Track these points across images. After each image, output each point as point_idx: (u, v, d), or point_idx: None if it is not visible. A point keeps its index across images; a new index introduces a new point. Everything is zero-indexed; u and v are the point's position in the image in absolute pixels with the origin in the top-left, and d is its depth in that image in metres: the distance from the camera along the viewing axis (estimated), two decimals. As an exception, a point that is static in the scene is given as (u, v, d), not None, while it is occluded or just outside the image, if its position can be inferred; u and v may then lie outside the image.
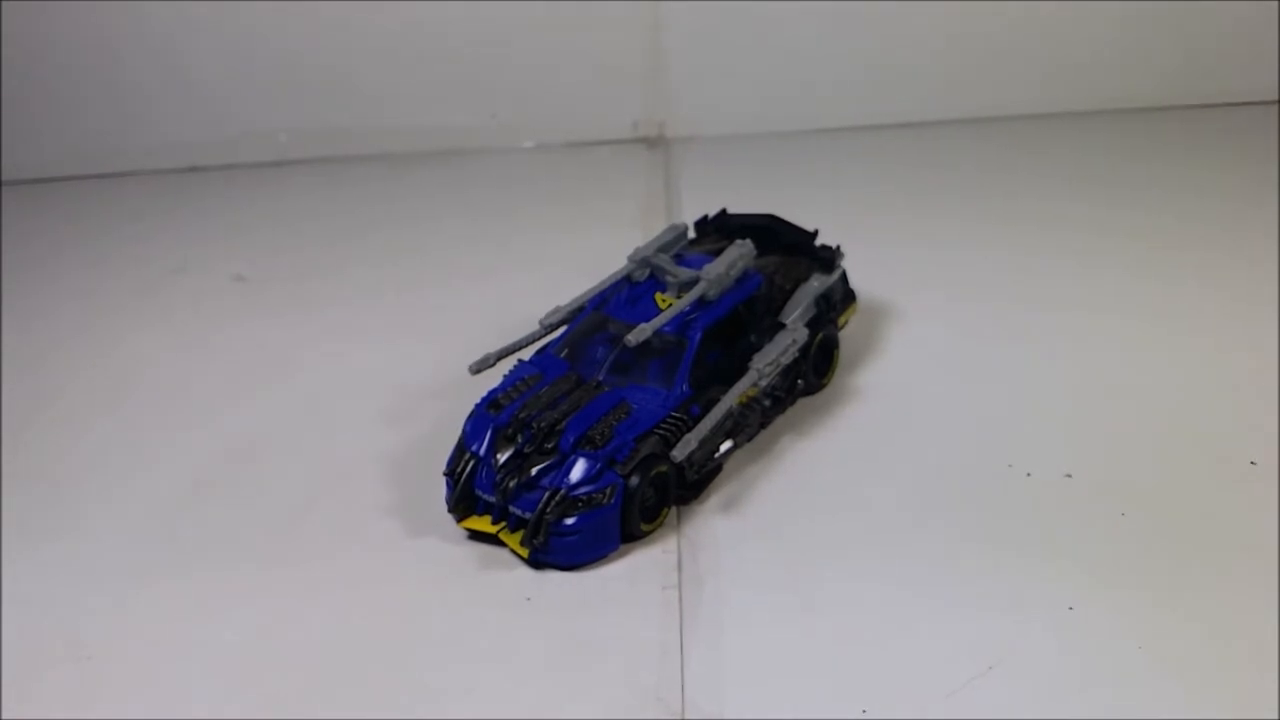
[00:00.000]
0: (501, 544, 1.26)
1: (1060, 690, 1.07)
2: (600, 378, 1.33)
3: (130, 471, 1.45)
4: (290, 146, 2.35)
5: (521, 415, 1.28)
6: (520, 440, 1.26)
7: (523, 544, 1.23)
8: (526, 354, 1.41)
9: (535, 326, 1.43)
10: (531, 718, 1.08)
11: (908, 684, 1.08)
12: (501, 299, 1.75)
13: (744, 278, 1.41)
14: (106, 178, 2.34)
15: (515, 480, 1.24)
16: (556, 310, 1.43)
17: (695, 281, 1.37)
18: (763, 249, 1.51)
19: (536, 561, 1.24)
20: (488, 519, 1.26)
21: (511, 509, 1.24)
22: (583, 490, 1.22)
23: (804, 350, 1.43)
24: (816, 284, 1.48)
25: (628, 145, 2.35)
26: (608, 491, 1.23)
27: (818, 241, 1.56)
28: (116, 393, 1.62)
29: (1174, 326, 1.60)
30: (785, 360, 1.38)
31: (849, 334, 1.56)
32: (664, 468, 1.26)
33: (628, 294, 1.41)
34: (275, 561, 1.29)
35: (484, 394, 1.33)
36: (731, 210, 1.65)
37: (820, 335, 1.46)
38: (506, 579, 1.23)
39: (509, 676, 1.12)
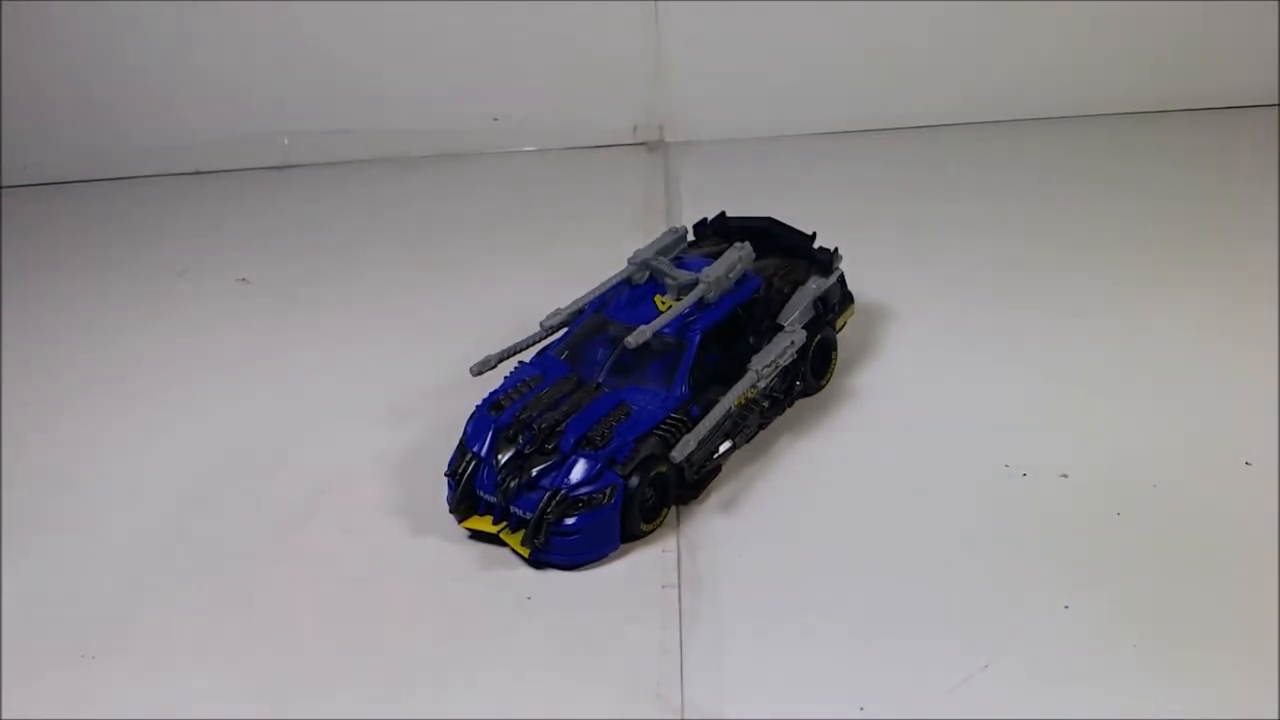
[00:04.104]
0: (502, 544, 1.27)
1: (1056, 689, 1.07)
2: (600, 379, 1.34)
3: (133, 472, 1.46)
4: (293, 150, 2.36)
5: (522, 416, 1.29)
6: (521, 441, 1.27)
7: (523, 544, 1.24)
8: (527, 356, 1.42)
9: (536, 328, 1.44)
10: (532, 717, 1.09)
11: (905, 682, 1.09)
12: (502, 301, 1.75)
13: (743, 280, 1.42)
14: (109, 182, 2.34)
15: (516, 480, 1.25)
16: (557, 312, 1.44)
17: (694, 284, 1.38)
18: (761, 251, 1.52)
19: (537, 561, 1.25)
20: (489, 519, 1.27)
21: (512, 509, 1.25)
22: (583, 490, 1.23)
23: (802, 352, 1.44)
24: (815, 286, 1.49)
25: (628, 149, 2.35)
26: (608, 492, 1.24)
27: (816, 244, 1.57)
28: (120, 394, 1.63)
29: (1172, 328, 1.61)
30: (784, 362, 1.39)
31: (847, 336, 1.57)
32: (663, 468, 1.27)
33: (627, 296, 1.42)
34: (277, 561, 1.29)
35: (485, 395, 1.35)
36: (730, 213, 1.65)
37: (818, 337, 1.47)
38: (507, 578, 1.24)
39: (509, 675, 1.13)
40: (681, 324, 1.36)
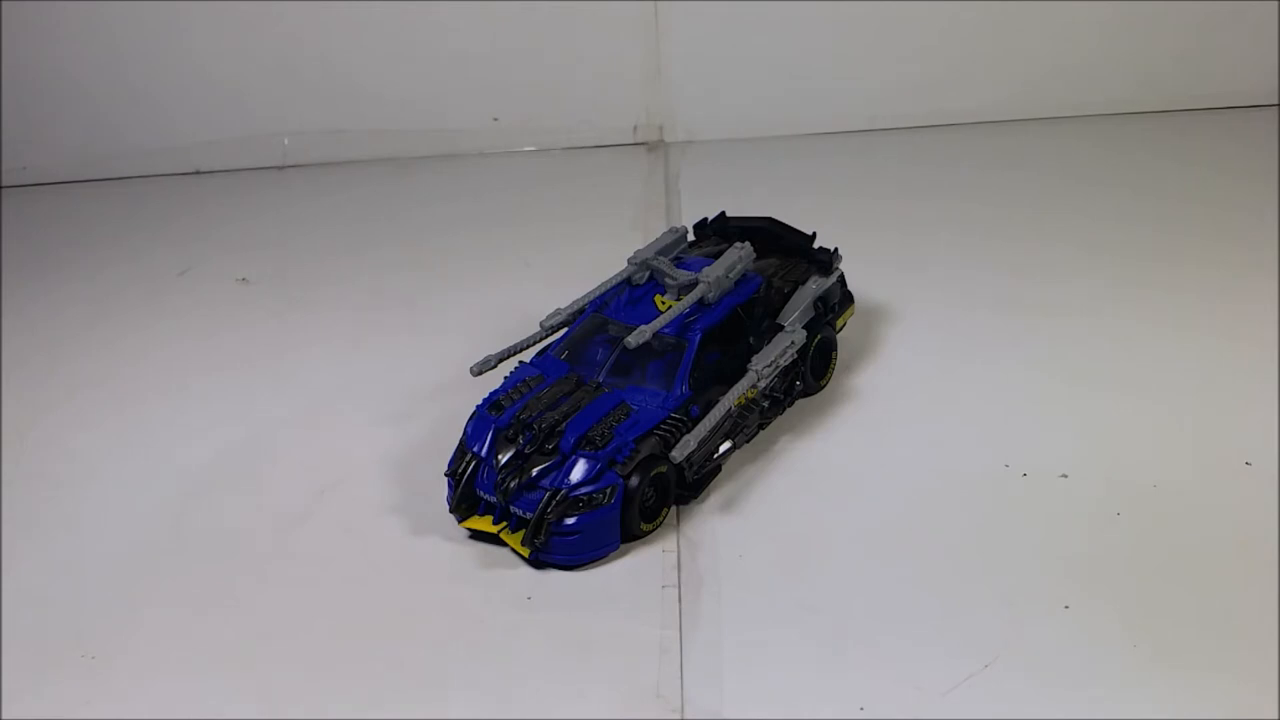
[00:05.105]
0: (502, 544, 1.27)
1: (1056, 689, 1.07)
2: (600, 379, 1.34)
3: (133, 471, 1.46)
4: (293, 150, 2.36)
5: (522, 416, 1.29)
6: (521, 441, 1.27)
7: (524, 544, 1.24)
8: (527, 356, 1.42)
9: (536, 328, 1.44)
10: (532, 716, 1.09)
11: (905, 682, 1.09)
12: (502, 301, 1.76)
13: (743, 280, 1.43)
14: (110, 181, 2.35)
15: (516, 480, 1.25)
16: (557, 312, 1.44)
17: (694, 284, 1.38)
18: (761, 251, 1.52)
19: (537, 561, 1.25)
20: (489, 519, 1.27)
21: (512, 509, 1.25)
22: (583, 490, 1.23)
23: (802, 352, 1.44)
24: (815, 286, 1.49)
25: (628, 149, 2.35)
26: (608, 492, 1.24)
27: (816, 244, 1.57)
28: (120, 394, 1.63)
29: (1171, 328, 1.61)
30: (783, 362, 1.39)
31: (847, 336, 1.57)
32: (663, 468, 1.27)
33: (628, 296, 1.42)
34: (277, 561, 1.30)
35: (485, 395, 1.35)
36: (730, 213, 1.65)
37: (818, 337, 1.47)
38: (507, 578, 1.24)
39: (510, 675, 1.13)
40: (681, 324, 1.36)
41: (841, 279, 1.55)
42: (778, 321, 1.44)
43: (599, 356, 1.37)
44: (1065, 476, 1.33)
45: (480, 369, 1.38)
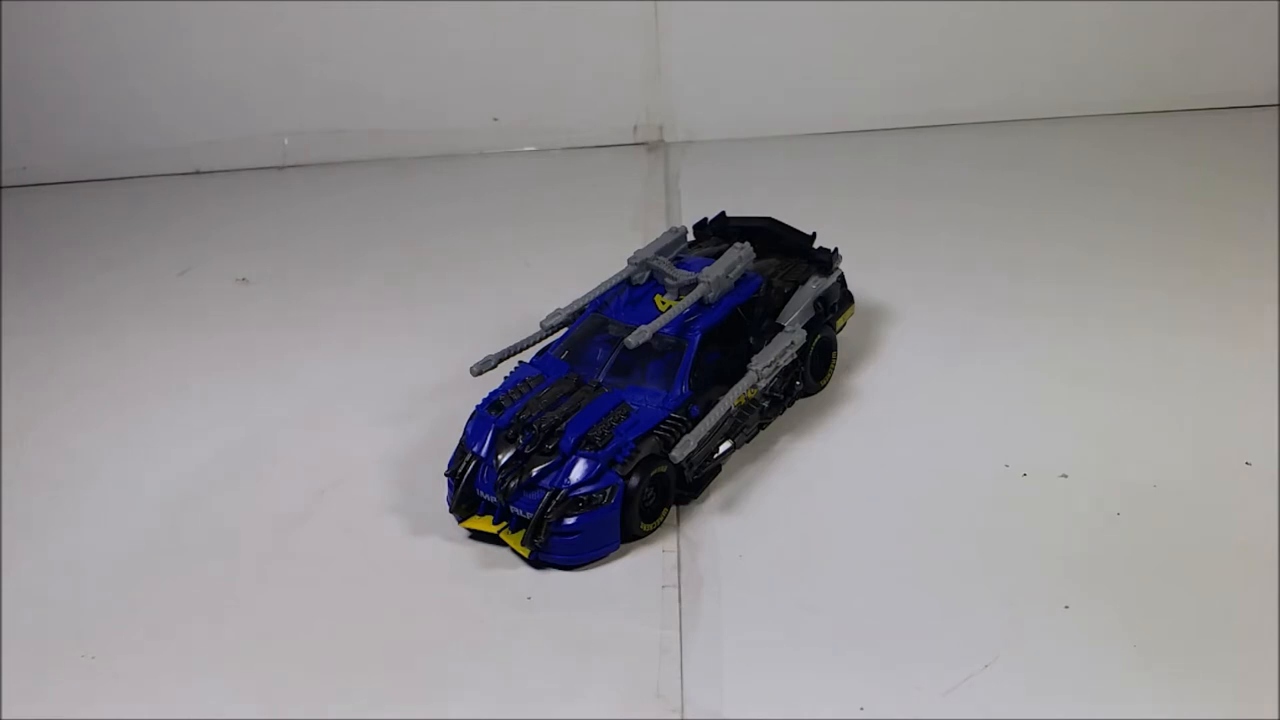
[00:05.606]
0: (502, 544, 1.27)
1: (1056, 689, 1.07)
2: (600, 379, 1.34)
3: (133, 472, 1.46)
4: (292, 150, 2.36)
5: (522, 416, 1.29)
6: (521, 441, 1.27)
7: (523, 544, 1.24)
8: (527, 356, 1.42)
9: (536, 328, 1.44)
10: (532, 716, 1.09)
11: (905, 682, 1.09)
12: (502, 301, 1.76)
13: (743, 280, 1.43)
14: (110, 181, 2.35)
15: (516, 480, 1.25)
16: (557, 312, 1.44)
17: (694, 284, 1.38)
18: (761, 252, 1.52)
19: (537, 561, 1.25)
20: (489, 519, 1.27)
21: (512, 509, 1.25)
22: (583, 490, 1.23)
23: (802, 352, 1.44)
24: (815, 286, 1.49)
25: (628, 149, 2.36)
26: (608, 492, 1.24)
27: (816, 244, 1.57)
28: (119, 394, 1.63)
29: (1172, 328, 1.61)
30: (783, 362, 1.39)
31: (847, 336, 1.57)
32: (663, 468, 1.27)
33: (627, 296, 1.42)
34: (277, 561, 1.30)
35: (485, 395, 1.35)
36: (730, 213, 1.65)
37: (818, 337, 1.47)
38: (507, 578, 1.24)
39: (509, 675, 1.13)
40: (681, 324, 1.36)
41: (841, 279, 1.55)
42: (778, 321, 1.44)
43: (599, 356, 1.38)
44: (1065, 476, 1.33)
45: (480, 369, 1.38)
